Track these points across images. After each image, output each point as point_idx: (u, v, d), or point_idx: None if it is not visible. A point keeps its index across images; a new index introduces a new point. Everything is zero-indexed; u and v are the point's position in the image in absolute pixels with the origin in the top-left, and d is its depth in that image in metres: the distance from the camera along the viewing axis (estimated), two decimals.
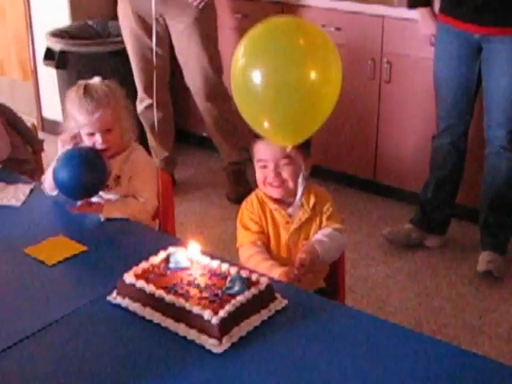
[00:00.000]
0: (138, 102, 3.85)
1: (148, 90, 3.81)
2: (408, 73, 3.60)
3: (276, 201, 2.11)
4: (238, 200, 3.75)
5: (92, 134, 2.26)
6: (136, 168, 2.32)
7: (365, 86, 3.76)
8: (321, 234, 2.07)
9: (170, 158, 4.04)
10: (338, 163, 4.05)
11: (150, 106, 3.83)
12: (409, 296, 3.08)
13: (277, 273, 1.95)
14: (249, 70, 1.74)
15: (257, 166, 2.08)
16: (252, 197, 2.13)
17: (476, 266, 3.20)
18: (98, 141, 2.25)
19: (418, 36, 3.34)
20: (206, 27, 3.68)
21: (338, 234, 2.09)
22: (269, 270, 1.95)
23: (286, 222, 2.10)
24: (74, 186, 2.16)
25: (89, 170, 2.17)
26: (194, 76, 3.77)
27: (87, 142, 2.27)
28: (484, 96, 3.08)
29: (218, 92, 3.78)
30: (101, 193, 2.28)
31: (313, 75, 1.77)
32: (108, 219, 2.19)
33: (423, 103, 3.59)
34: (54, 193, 2.28)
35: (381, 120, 3.78)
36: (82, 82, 2.29)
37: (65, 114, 2.33)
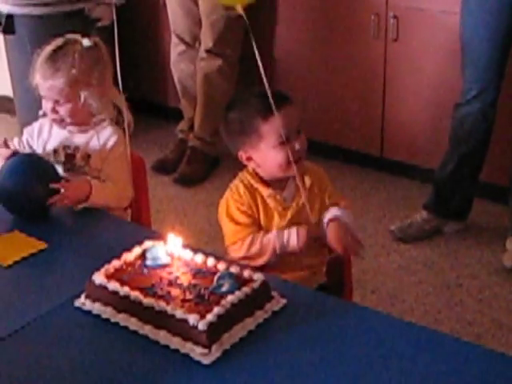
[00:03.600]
0: (172, 48, 4.22)
1: (183, 34, 4.13)
2: (419, 29, 3.60)
3: (269, 185, 2.12)
4: (183, 181, 4.00)
5: (45, 98, 2.36)
6: (110, 152, 2.35)
7: (368, 47, 3.76)
8: (334, 213, 2.11)
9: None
10: (338, 137, 4.06)
11: (183, 53, 4.15)
12: (426, 290, 3.10)
13: (294, 232, 2.05)
14: None
15: (274, 145, 2.05)
16: (236, 184, 2.13)
17: (502, 253, 3.22)
18: (47, 107, 2.36)
19: None
20: None
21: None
22: (279, 232, 2.05)
23: (282, 208, 2.10)
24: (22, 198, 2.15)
25: (38, 180, 2.17)
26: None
27: (43, 105, 2.38)
28: None
29: (229, 40, 3.95)
30: (64, 174, 2.31)
31: None
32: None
33: (437, 65, 3.60)
34: None
35: (388, 86, 3.79)
36: (61, 41, 2.38)
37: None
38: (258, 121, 2.06)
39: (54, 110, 2.35)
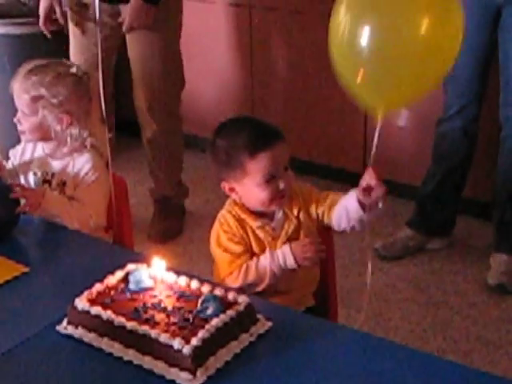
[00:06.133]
0: None
1: None
2: None
3: (258, 216, 2.10)
4: (159, 238, 3.61)
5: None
6: (82, 179, 2.36)
7: None
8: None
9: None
10: (321, 155, 4.06)
11: None
12: (411, 308, 3.10)
13: (289, 252, 2.03)
14: (354, 27, 1.76)
15: (259, 183, 2.03)
16: (225, 215, 2.11)
17: (487, 271, 3.24)
18: (17, 116, 2.41)
19: None
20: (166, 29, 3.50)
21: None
22: (274, 254, 2.04)
23: (272, 238, 2.09)
24: None
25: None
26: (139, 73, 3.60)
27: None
28: (501, 70, 3.10)
29: (165, 106, 3.63)
30: None
31: (429, 31, 1.78)
32: (44, 226, 2.21)
33: None
34: None
35: None
36: (51, 60, 2.45)
37: None
38: (244, 157, 2.02)
39: (19, 121, 2.41)
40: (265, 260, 2.04)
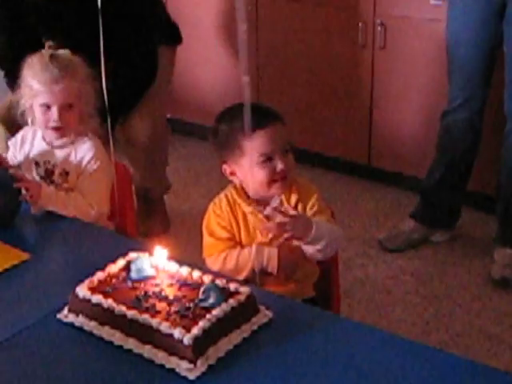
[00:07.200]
0: None
1: None
2: (406, 37, 3.60)
3: (252, 201, 2.09)
4: (147, 235, 3.41)
5: (48, 107, 2.30)
6: (84, 167, 2.34)
7: (355, 55, 3.76)
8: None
9: None
10: (325, 146, 4.05)
11: None
12: (414, 300, 3.10)
13: (275, 255, 2.03)
14: None
15: (256, 163, 2.02)
16: (220, 198, 2.12)
17: (491, 264, 3.23)
18: (53, 115, 2.29)
19: None
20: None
21: (332, 224, 2.08)
22: (260, 251, 2.02)
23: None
24: None
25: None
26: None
27: (39, 117, 2.32)
28: (506, 63, 3.09)
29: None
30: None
31: None
32: (46, 214, 2.20)
33: (425, 73, 3.60)
34: None
35: (375, 94, 3.79)
36: (48, 52, 2.35)
37: (18, 83, 2.37)
38: (241, 137, 2.03)
39: (62, 118, 2.30)
40: (249, 254, 2.04)
